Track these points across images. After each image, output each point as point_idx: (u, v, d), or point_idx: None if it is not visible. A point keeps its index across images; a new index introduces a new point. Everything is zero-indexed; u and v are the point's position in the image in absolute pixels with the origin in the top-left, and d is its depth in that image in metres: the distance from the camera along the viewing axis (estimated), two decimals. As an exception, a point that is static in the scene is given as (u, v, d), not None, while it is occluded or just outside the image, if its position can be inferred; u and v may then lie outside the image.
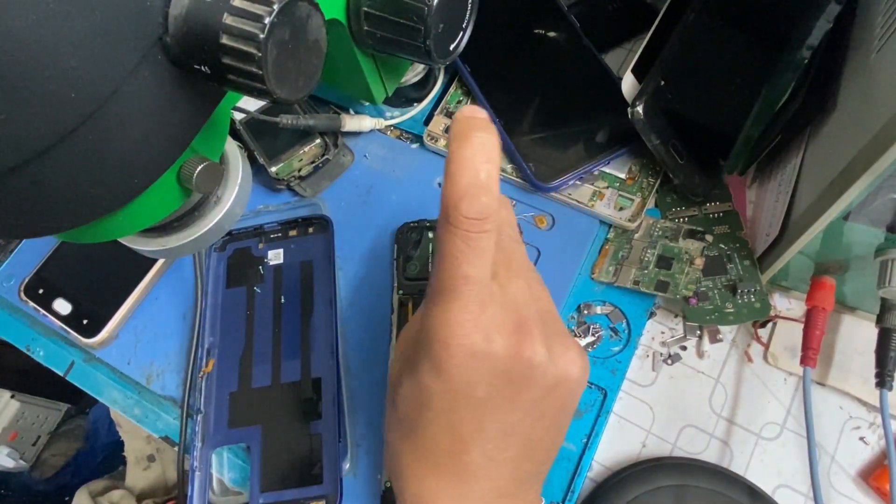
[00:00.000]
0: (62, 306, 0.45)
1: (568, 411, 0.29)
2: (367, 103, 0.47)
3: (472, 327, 0.25)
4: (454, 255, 0.24)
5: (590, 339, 0.41)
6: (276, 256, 0.45)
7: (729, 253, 0.40)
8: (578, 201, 0.43)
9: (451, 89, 0.48)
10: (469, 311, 0.25)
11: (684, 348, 0.41)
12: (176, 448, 0.41)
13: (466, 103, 0.48)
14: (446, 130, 0.47)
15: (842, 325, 0.40)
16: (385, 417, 0.30)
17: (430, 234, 0.44)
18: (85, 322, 0.44)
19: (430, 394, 0.26)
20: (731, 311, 0.39)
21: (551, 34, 0.47)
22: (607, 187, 0.43)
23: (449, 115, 0.47)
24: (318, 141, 0.46)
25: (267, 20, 0.20)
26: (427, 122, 0.48)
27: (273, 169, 0.45)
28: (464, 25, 0.37)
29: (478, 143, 0.24)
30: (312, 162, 0.46)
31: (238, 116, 0.46)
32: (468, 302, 0.24)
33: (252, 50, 0.20)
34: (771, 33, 0.37)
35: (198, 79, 0.22)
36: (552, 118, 0.45)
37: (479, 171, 0.24)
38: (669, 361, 0.40)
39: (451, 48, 0.37)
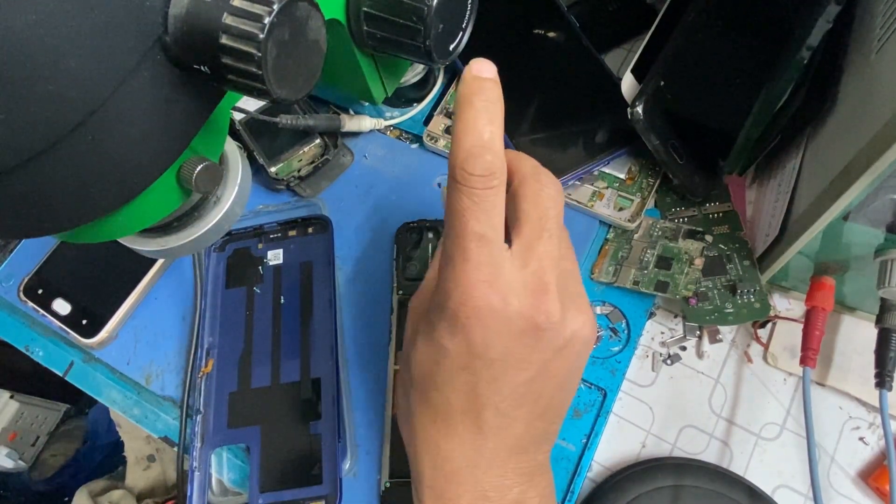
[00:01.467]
0: (61, 306, 0.45)
1: (577, 372, 0.29)
2: (367, 103, 0.47)
3: (488, 288, 0.25)
4: (462, 212, 0.25)
5: (589, 339, 0.41)
6: (275, 257, 0.45)
7: (729, 253, 0.40)
8: (578, 201, 0.43)
9: (451, 89, 0.48)
10: (483, 271, 0.25)
11: (684, 348, 0.41)
12: (175, 448, 0.41)
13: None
14: (446, 131, 0.47)
15: (842, 326, 0.40)
16: (396, 388, 0.31)
17: (430, 235, 0.44)
18: (84, 322, 0.44)
19: (446, 353, 0.26)
20: (731, 311, 0.39)
21: (551, 34, 0.47)
22: (607, 187, 0.43)
23: (449, 115, 0.47)
24: (317, 141, 0.46)
25: (267, 20, 0.20)
26: (427, 122, 0.48)
27: (273, 169, 0.45)
28: (464, 25, 0.37)
29: (481, 105, 0.25)
30: (312, 162, 0.46)
31: (238, 116, 0.46)
32: (481, 262, 0.25)
33: (252, 50, 0.20)
34: (771, 33, 0.37)
35: (198, 79, 0.21)
36: (552, 118, 0.45)
37: (483, 132, 0.25)
38: (669, 362, 0.40)
39: (451, 48, 0.37)
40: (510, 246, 0.27)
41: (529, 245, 0.27)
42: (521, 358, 0.27)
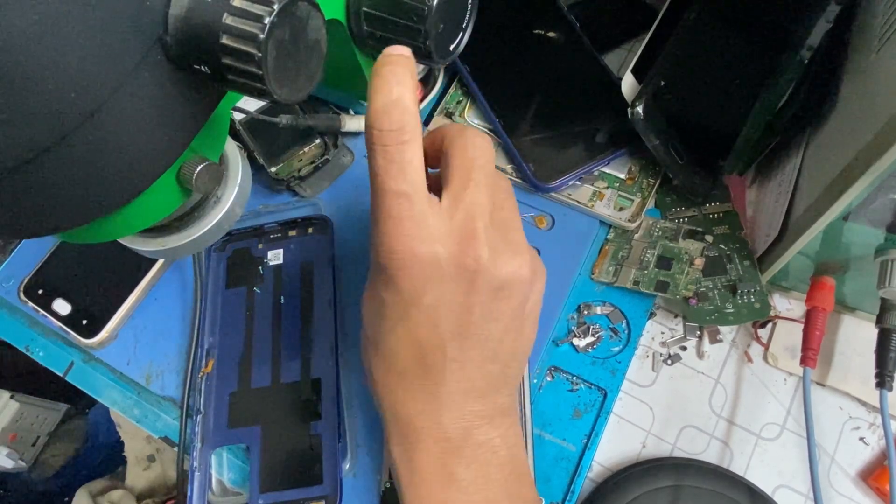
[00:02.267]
0: (62, 306, 0.45)
1: (523, 314, 0.31)
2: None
3: (411, 240, 0.27)
4: (377, 171, 0.26)
5: (590, 339, 0.41)
6: (275, 257, 0.45)
7: (729, 253, 0.40)
8: (578, 201, 0.43)
9: (451, 89, 0.48)
10: (404, 225, 0.26)
11: (684, 349, 0.41)
12: (175, 448, 0.41)
13: (466, 103, 0.48)
14: (446, 130, 0.47)
15: (842, 326, 0.40)
16: (362, 349, 0.32)
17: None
18: (84, 322, 0.44)
19: (385, 305, 0.28)
20: (731, 311, 0.39)
21: (551, 34, 0.47)
22: (607, 187, 0.43)
23: (449, 115, 0.47)
24: (317, 141, 0.46)
25: (267, 20, 0.20)
26: (427, 122, 0.48)
27: (273, 169, 0.45)
28: (464, 25, 0.37)
29: (388, 71, 0.27)
30: (312, 162, 0.46)
31: (238, 116, 0.46)
32: (402, 216, 0.26)
33: (252, 50, 0.20)
34: (771, 33, 0.37)
35: (198, 79, 0.21)
36: (552, 118, 0.45)
37: (391, 92, 0.26)
38: (669, 362, 0.40)
39: (451, 48, 0.37)
40: (441, 199, 0.28)
41: (456, 195, 0.28)
42: (458, 302, 0.28)
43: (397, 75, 0.27)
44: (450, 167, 0.29)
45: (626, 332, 0.41)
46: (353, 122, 0.47)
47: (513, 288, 0.29)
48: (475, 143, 0.30)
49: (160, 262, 0.45)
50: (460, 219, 0.28)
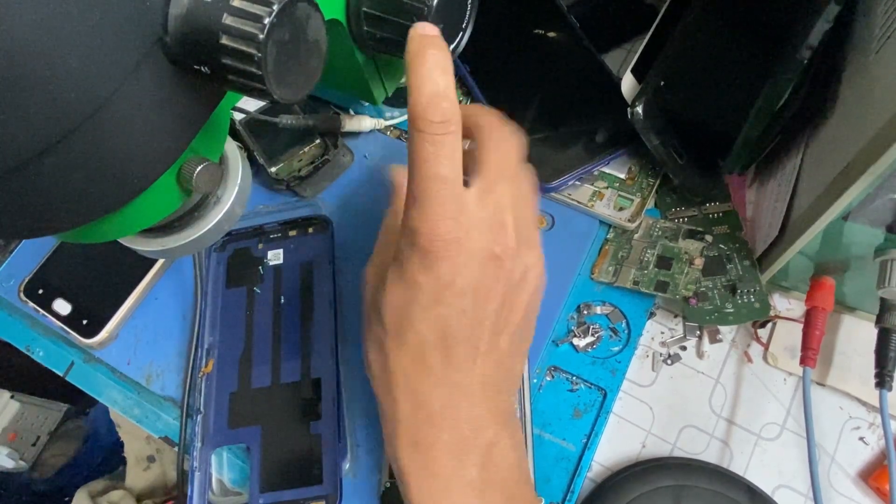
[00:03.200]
0: (62, 306, 0.45)
1: (534, 310, 0.32)
2: (367, 103, 0.47)
3: (454, 224, 0.27)
4: (426, 157, 0.27)
5: (590, 339, 0.41)
6: (275, 257, 0.45)
7: (729, 253, 0.40)
8: (578, 201, 0.43)
9: (451, 89, 0.48)
10: (448, 208, 0.27)
11: (684, 348, 0.41)
12: (176, 448, 0.41)
13: (466, 103, 0.48)
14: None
15: (842, 326, 0.40)
16: (364, 335, 0.32)
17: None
18: (85, 322, 0.44)
19: (419, 288, 0.28)
20: (731, 311, 0.39)
21: (551, 34, 0.47)
22: (607, 187, 0.43)
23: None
24: (317, 141, 0.46)
25: (267, 20, 0.20)
26: (427, 122, 0.47)
27: (273, 169, 0.45)
28: (464, 25, 0.37)
29: (433, 58, 0.27)
30: (312, 162, 0.46)
31: (238, 116, 0.46)
32: (446, 200, 0.27)
33: (252, 50, 0.20)
34: (771, 33, 0.37)
35: (198, 79, 0.21)
36: (552, 118, 0.45)
37: (438, 82, 0.27)
38: (669, 361, 0.40)
39: (452, 48, 0.37)
40: (472, 187, 0.29)
41: (489, 187, 0.29)
42: (486, 287, 0.29)
43: (442, 64, 0.27)
44: (485, 159, 0.30)
45: (626, 331, 0.41)
46: (353, 122, 0.47)
47: (529, 280, 0.30)
48: (510, 141, 0.31)
49: (160, 262, 0.45)
50: (491, 209, 0.29)
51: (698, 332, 0.41)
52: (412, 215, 0.28)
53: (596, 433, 0.39)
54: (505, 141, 0.31)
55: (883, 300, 0.34)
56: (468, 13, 0.37)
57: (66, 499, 0.83)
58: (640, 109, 0.39)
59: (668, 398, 0.40)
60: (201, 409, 0.41)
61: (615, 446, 0.39)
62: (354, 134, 0.48)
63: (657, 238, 0.42)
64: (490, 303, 0.29)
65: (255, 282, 0.44)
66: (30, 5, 0.17)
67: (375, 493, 0.38)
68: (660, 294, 0.40)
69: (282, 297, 0.43)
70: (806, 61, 0.34)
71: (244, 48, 0.20)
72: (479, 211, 0.29)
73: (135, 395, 0.43)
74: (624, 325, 0.41)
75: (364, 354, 0.32)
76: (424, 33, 0.28)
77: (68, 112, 0.19)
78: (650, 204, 0.43)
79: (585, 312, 0.42)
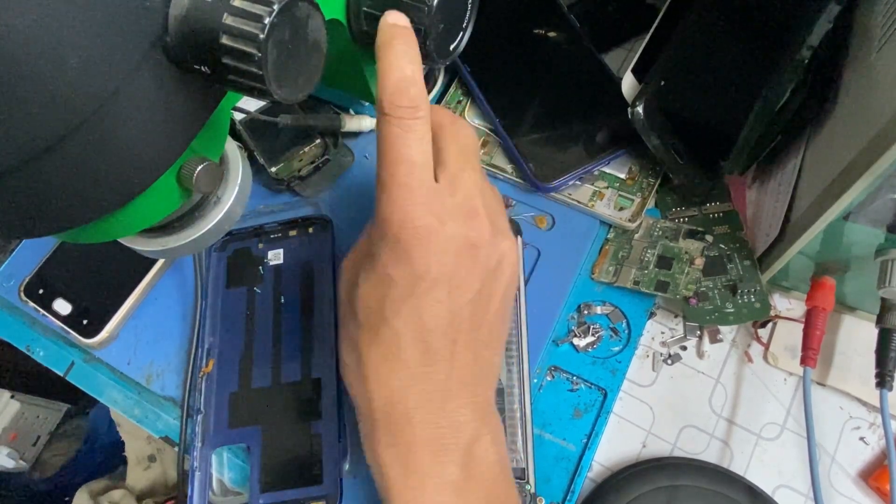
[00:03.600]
0: (62, 306, 0.45)
1: (509, 300, 0.32)
2: (367, 103, 0.47)
3: (425, 211, 0.27)
4: (393, 140, 0.27)
5: (590, 339, 0.41)
6: (276, 256, 0.45)
7: (729, 253, 0.40)
8: (578, 201, 0.43)
9: (451, 89, 0.48)
10: (418, 194, 0.27)
11: (684, 348, 0.41)
12: (176, 448, 0.41)
13: (466, 103, 0.48)
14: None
15: (842, 325, 0.40)
16: (340, 331, 0.32)
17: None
18: (85, 322, 0.44)
19: (392, 282, 0.28)
20: (731, 311, 0.39)
21: (551, 34, 0.47)
22: (607, 187, 0.43)
23: (449, 115, 0.47)
24: (318, 141, 0.46)
25: (267, 20, 0.20)
26: (427, 122, 0.48)
27: (273, 169, 0.45)
28: (464, 25, 0.37)
29: (401, 47, 0.27)
30: (312, 162, 0.46)
31: (238, 116, 0.46)
32: (415, 185, 0.27)
33: (252, 50, 0.20)
34: (771, 33, 0.37)
35: (198, 79, 0.21)
36: (552, 118, 0.45)
37: (405, 69, 0.27)
38: (669, 361, 0.40)
39: (451, 48, 0.37)
40: (437, 180, 0.29)
41: (455, 175, 0.29)
42: (462, 277, 0.28)
43: (408, 52, 0.27)
44: (445, 150, 0.30)
45: (627, 331, 0.41)
46: (353, 122, 0.47)
47: (504, 267, 0.30)
48: (467, 131, 0.31)
49: (160, 261, 0.45)
50: (461, 197, 0.29)
51: (699, 332, 0.41)
52: (381, 203, 0.27)
53: (596, 433, 0.38)
54: (462, 132, 0.31)
55: (883, 300, 0.34)
56: (468, 13, 0.37)
57: (67, 498, 0.83)
58: (640, 109, 0.39)
59: (668, 398, 0.40)
60: (201, 409, 0.41)
61: (615, 446, 0.39)
62: (354, 134, 0.48)
63: (657, 238, 0.42)
64: (466, 293, 0.29)
65: (256, 282, 0.44)
66: (30, 5, 0.17)
67: (376, 494, 0.38)
68: (660, 294, 0.40)
69: (282, 297, 0.43)
70: (806, 61, 0.34)
71: (244, 48, 0.20)
72: (450, 197, 0.28)
73: (135, 395, 0.43)
74: (624, 324, 0.41)
75: (339, 353, 0.31)
76: (395, 22, 0.28)
77: (69, 112, 0.19)
78: (650, 204, 0.43)
79: (586, 312, 0.42)
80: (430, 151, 0.28)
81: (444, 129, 0.30)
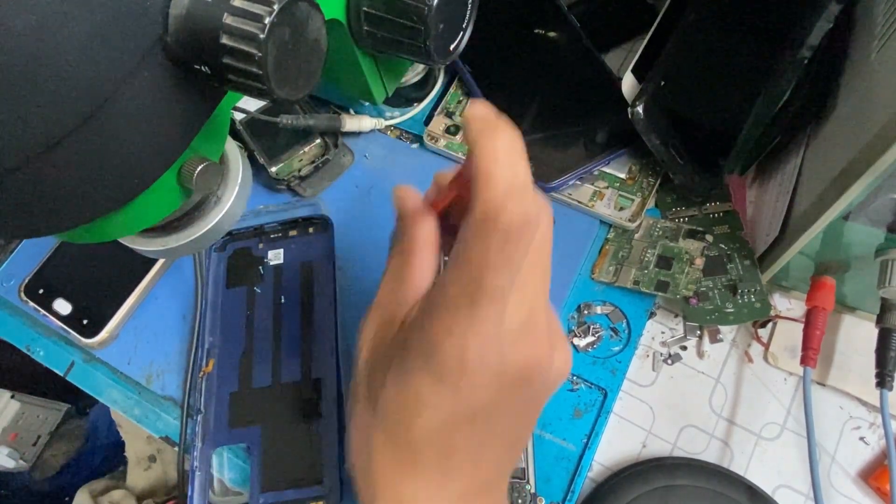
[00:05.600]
0: (62, 306, 0.45)
1: (543, 403, 0.28)
2: (367, 103, 0.47)
3: (490, 344, 0.22)
4: (486, 264, 0.21)
5: (590, 339, 0.41)
6: (276, 256, 0.45)
7: (729, 253, 0.40)
8: (578, 201, 0.43)
9: (451, 89, 0.48)
10: (487, 328, 0.22)
11: (684, 348, 0.41)
12: (176, 448, 0.41)
13: (466, 103, 0.48)
14: (447, 131, 0.47)
15: (842, 325, 0.40)
16: (351, 407, 0.28)
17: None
18: (85, 322, 0.44)
19: (426, 402, 0.24)
20: (732, 311, 0.39)
21: (551, 34, 0.47)
22: (607, 187, 0.43)
23: (449, 115, 0.47)
24: (318, 141, 0.46)
25: (267, 20, 0.20)
26: (427, 122, 0.48)
27: (273, 169, 0.45)
28: (464, 25, 0.37)
29: (509, 140, 0.21)
30: (312, 162, 0.46)
31: (238, 116, 0.46)
32: (489, 319, 0.22)
33: (252, 50, 0.20)
34: (771, 34, 0.37)
35: (198, 79, 0.22)
36: (552, 118, 0.45)
37: (517, 172, 0.21)
38: (669, 361, 0.40)
39: (451, 48, 0.37)
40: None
41: (523, 283, 0.24)
42: (506, 406, 0.25)
43: (519, 148, 0.21)
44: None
45: (627, 331, 0.41)
46: (353, 122, 0.47)
47: (551, 388, 0.26)
48: (547, 224, 0.25)
49: (160, 261, 0.45)
50: (525, 313, 0.24)
51: (699, 332, 0.41)
52: (435, 324, 0.23)
53: (596, 433, 0.39)
54: (545, 219, 0.25)
55: (883, 300, 0.34)
56: (468, 13, 0.37)
57: (67, 498, 0.83)
58: (640, 109, 0.39)
59: (668, 398, 0.40)
60: (202, 408, 0.41)
61: (615, 446, 0.39)
62: (354, 134, 0.48)
63: (657, 238, 0.42)
64: (505, 418, 0.25)
65: (256, 282, 0.44)
66: (30, 5, 0.17)
67: (376, 493, 0.38)
68: (660, 294, 0.40)
69: (282, 297, 0.43)
70: (806, 61, 0.34)
71: (244, 48, 0.20)
72: (516, 314, 0.23)
73: (135, 395, 0.43)
74: (624, 324, 0.41)
75: (347, 434, 0.28)
76: (489, 112, 0.22)
77: (69, 111, 0.19)
78: (650, 204, 0.43)
79: (586, 312, 0.42)
80: (518, 273, 0.23)
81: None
